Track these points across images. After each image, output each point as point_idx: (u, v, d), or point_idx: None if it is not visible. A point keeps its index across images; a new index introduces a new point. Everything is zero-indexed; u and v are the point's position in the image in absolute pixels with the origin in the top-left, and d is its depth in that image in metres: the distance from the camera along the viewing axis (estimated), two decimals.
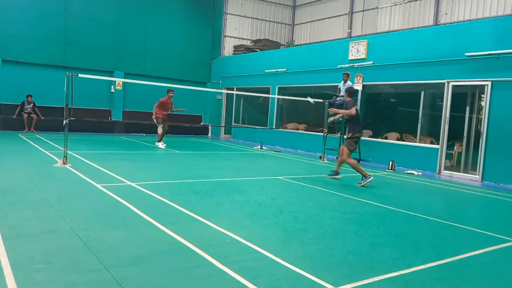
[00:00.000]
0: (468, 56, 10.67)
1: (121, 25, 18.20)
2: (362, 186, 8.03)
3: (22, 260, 3.33)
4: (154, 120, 13.45)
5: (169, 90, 13.50)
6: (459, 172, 11.12)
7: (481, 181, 10.22)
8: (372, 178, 8.13)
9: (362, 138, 13.19)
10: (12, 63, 15.98)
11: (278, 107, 17.49)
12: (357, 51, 13.65)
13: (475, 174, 10.48)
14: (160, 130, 13.47)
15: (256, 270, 3.46)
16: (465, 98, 11.55)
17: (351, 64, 13.79)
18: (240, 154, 13.41)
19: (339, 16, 19.07)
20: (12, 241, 3.77)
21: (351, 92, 8.77)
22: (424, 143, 12.03)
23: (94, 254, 3.56)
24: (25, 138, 12.98)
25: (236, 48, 20.45)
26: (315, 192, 7.37)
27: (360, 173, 8.17)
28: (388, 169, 11.37)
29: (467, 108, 11.29)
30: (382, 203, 6.70)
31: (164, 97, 13.53)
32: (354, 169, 8.35)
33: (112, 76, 17.55)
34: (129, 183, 6.87)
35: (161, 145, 13.27)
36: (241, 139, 18.84)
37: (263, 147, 15.41)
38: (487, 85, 10.24)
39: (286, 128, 17.02)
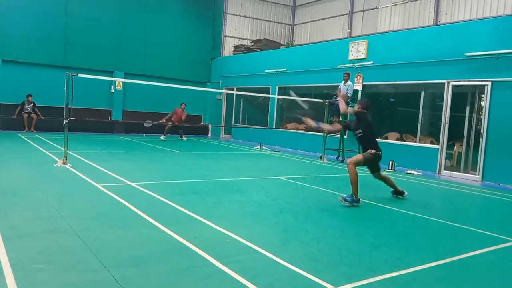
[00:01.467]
0: (468, 56, 10.67)
1: (121, 25, 18.20)
2: (345, 203, 6.24)
3: (22, 260, 3.33)
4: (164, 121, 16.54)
5: (182, 103, 16.97)
6: (459, 172, 11.12)
7: (481, 181, 10.22)
8: (359, 204, 6.30)
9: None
10: (12, 63, 15.98)
11: (278, 107, 17.49)
12: (357, 51, 13.65)
13: (475, 174, 10.47)
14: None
15: (256, 270, 3.46)
16: (465, 98, 11.55)
17: (351, 64, 13.79)
18: (240, 154, 13.41)
19: (339, 16, 19.07)
20: (12, 241, 3.77)
21: (366, 105, 6.94)
22: (424, 143, 12.03)
23: (94, 254, 3.56)
24: (25, 138, 12.97)
25: (236, 48, 20.45)
26: (315, 192, 7.36)
27: (353, 191, 6.32)
28: (388, 169, 11.37)
29: (467, 108, 11.28)
30: (382, 203, 6.70)
31: (179, 109, 16.89)
32: (351, 181, 6.40)
33: (112, 76, 17.55)
34: (129, 183, 6.87)
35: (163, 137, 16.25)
36: (241, 139, 18.84)
37: (263, 147, 15.41)
38: (487, 85, 10.23)
39: (286, 128, 17.02)
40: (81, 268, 3.27)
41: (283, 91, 17.34)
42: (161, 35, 19.22)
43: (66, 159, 8.26)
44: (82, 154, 9.98)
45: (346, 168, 6.56)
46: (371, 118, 6.95)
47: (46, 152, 10.02)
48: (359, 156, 6.70)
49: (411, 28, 15.08)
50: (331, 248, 4.22)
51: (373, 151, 6.64)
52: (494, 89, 10.13)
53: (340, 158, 12.90)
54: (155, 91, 17.10)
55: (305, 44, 20.04)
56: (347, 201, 6.26)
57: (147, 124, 14.12)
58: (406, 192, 7.23)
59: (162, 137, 16.26)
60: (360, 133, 6.82)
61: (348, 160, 6.63)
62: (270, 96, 16.66)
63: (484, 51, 10.32)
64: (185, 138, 17.12)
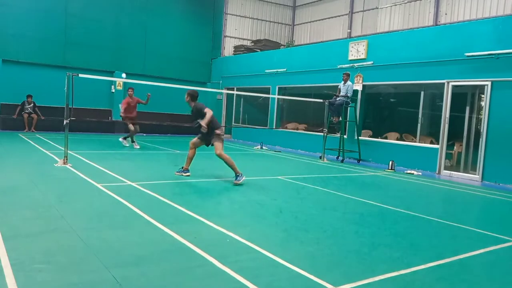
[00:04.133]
0: (468, 56, 10.67)
1: (121, 25, 18.20)
2: (239, 182, 7.40)
3: (22, 260, 3.34)
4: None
5: (129, 88, 13.23)
6: (459, 172, 11.12)
7: (481, 181, 10.22)
8: (244, 177, 7.50)
9: (361, 138, 13.32)
10: (12, 63, 15.98)
11: (278, 107, 17.49)
12: (357, 51, 13.65)
13: (475, 174, 10.48)
14: (131, 128, 12.82)
15: (256, 270, 3.46)
16: (465, 98, 11.55)
17: (351, 64, 13.79)
18: (240, 154, 13.40)
19: (339, 16, 19.07)
20: (12, 241, 3.77)
21: (193, 95, 7.81)
22: (424, 143, 12.03)
23: (95, 254, 3.56)
24: (25, 138, 12.98)
25: (236, 48, 20.45)
26: (315, 192, 7.37)
27: (236, 170, 7.53)
28: (388, 169, 11.37)
29: (467, 108, 11.29)
30: (382, 203, 6.70)
31: (126, 98, 13.19)
32: (230, 164, 7.56)
33: (112, 76, 17.55)
34: (129, 183, 6.87)
35: (126, 142, 12.88)
36: (241, 139, 18.84)
37: (263, 147, 15.41)
38: (487, 85, 10.24)
39: (286, 128, 17.02)
40: (81, 268, 3.27)
41: (283, 91, 17.36)
42: (161, 35, 19.22)
43: (67, 159, 8.26)
44: (82, 154, 9.98)
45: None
46: (200, 105, 7.70)
47: (47, 152, 10.02)
48: (219, 144, 7.53)
49: (411, 28, 15.09)
50: (331, 248, 4.22)
51: (218, 131, 7.57)
52: (494, 89, 10.13)
53: (340, 158, 12.90)
54: (155, 91, 17.01)
55: (305, 44, 20.04)
56: (239, 181, 7.39)
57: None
58: (242, 178, 7.51)
59: (122, 139, 13.00)
60: (197, 123, 7.68)
61: (218, 153, 7.49)
62: (270, 96, 16.66)
63: (484, 51, 10.32)
64: (138, 146, 12.67)
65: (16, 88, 15.85)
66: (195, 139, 7.91)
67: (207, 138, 7.74)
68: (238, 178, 7.47)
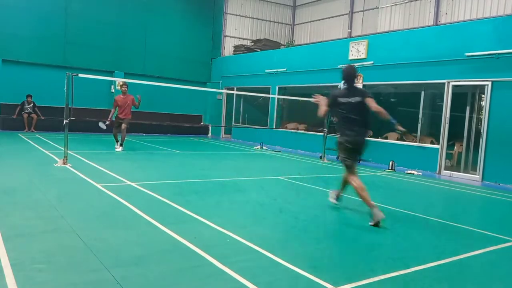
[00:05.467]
0: (468, 56, 10.67)
1: (121, 25, 18.21)
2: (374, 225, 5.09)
3: (22, 260, 3.34)
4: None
5: (122, 84, 11.31)
6: (459, 172, 11.12)
7: (481, 181, 10.22)
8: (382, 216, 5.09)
9: None
10: (12, 63, 15.98)
11: (278, 107, 17.49)
12: (357, 51, 13.65)
13: (475, 174, 10.47)
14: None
15: (256, 270, 3.46)
16: (465, 98, 11.55)
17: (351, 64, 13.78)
18: (240, 154, 13.41)
19: (339, 16, 19.06)
20: (12, 241, 3.77)
21: (344, 73, 5.87)
22: (424, 143, 12.03)
23: (94, 254, 3.56)
24: (25, 138, 12.97)
25: (236, 48, 20.46)
26: (315, 192, 7.37)
27: (367, 204, 5.25)
28: (388, 169, 11.37)
29: (467, 108, 11.29)
30: (382, 203, 6.69)
31: (119, 95, 11.97)
32: (359, 195, 5.40)
33: (112, 76, 17.55)
34: (129, 183, 6.87)
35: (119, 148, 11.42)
36: (241, 139, 18.84)
37: (263, 147, 15.41)
38: (487, 85, 10.23)
39: (286, 128, 17.02)
40: (81, 268, 3.27)
41: (283, 91, 17.35)
42: (161, 35, 19.23)
43: (66, 159, 8.26)
44: (82, 154, 9.98)
45: (342, 168, 5.80)
46: (337, 93, 5.76)
47: (46, 152, 10.02)
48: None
49: (411, 28, 15.08)
50: (331, 248, 4.22)
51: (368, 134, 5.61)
52: (494, 89, 10.13)
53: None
54: (155, 91, 17.06)
55: (305, 44, 20.04)
56: (373, 222, 5.09)
57: (102, 125, 11.15)
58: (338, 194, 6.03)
59: (118, 148, 11.50)
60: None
61: (345, 175, 5.78)
62: (270, 96, 16.66)
63: (484, 51, 10.32)
64: (121, 149, 11.50)
65: (16, 88, 15.85)
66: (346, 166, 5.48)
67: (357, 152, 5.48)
68: (373, 218, 5.06)
